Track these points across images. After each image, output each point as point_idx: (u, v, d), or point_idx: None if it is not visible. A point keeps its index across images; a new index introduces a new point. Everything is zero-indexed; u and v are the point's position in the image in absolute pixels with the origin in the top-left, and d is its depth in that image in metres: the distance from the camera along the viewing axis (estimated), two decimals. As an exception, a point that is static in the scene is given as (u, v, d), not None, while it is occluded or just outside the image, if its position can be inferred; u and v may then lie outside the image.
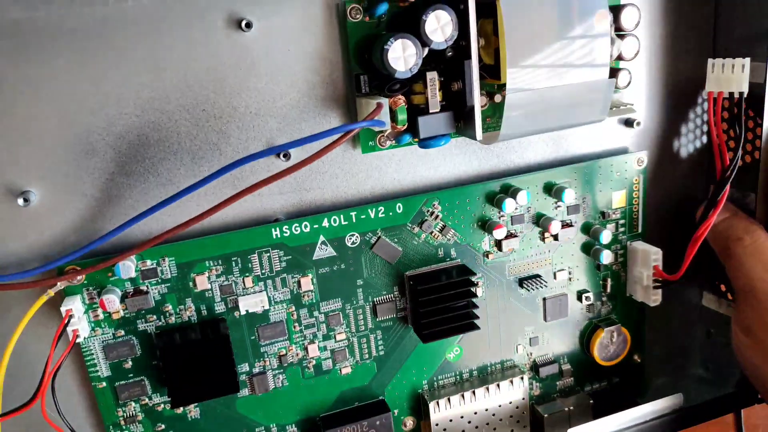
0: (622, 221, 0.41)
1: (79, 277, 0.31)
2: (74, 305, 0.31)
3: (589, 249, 0.41)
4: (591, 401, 0.43)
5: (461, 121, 0.33)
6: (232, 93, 0.32)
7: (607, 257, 0.40)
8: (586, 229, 0.40)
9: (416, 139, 0.33)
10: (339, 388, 0.38)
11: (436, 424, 0.39)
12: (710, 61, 0.34)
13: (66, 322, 0.31)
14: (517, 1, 0.30)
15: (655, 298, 0.41)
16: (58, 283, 0.31)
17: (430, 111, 0.32)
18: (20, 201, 0.30)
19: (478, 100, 0.32)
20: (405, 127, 0.33)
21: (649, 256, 0.40)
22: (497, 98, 0.35)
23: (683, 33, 0.39)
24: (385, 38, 0.30)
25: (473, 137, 0.33)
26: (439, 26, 0.31)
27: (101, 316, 0.33)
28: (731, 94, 0.33)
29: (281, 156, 0.33)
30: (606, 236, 0.40)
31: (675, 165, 0.42)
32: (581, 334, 0.43)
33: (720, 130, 0.34)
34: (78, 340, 0.31)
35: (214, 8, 0.31)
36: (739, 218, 0.37)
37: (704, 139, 0.41)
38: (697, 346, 0.47)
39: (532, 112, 0.32)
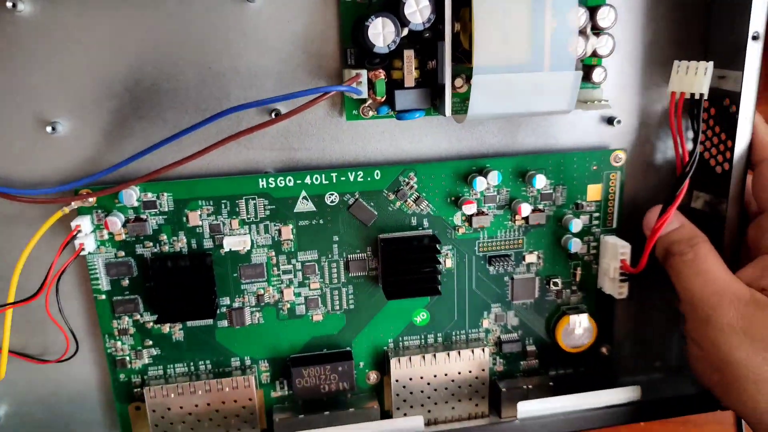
0: (596, 214, 0.43)
1: (90, 199, 0.37)
2: (84, 223, 0.36)
3: (560, 237, 0.43)
4: (551, 383, 0.45)
5: (437, 98, 0.37)
6: (235, 55, 0.37)
7: (575, 246, 0.42)
8: (559, 217, 0.42)
9: (393, 111, 0.37)
10: (310, 333, 0.42)
11: (396, 380, 0.42)
12: (675, 62, 0.36)
13: (74, 234, 0.36)
14: (492, -8, 0.33)
15: (621, 291, 0.42)
16: (73, 203, 0.36)
17: (406, 86, 0.36)
18: (48, 129, 0.36)
19: (449, 79, 0.35)
20: (383, 98, 0.37)
21: (617, 250, 0.42)
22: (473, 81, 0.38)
23: (676, 36, 0.41)
24: (368, 16, 0.34)
25: (443, 113, 0.36)
26: (418, 9, 0.34)
27: (106, 237, 0.38)
28: (692, 95, 0.35)
29: (272, 114, 0.38)
30: (576, 225, 0.42)
31: (655, 165, 0.43)
32: (548, 318, 0.45)
33: (681, 128, 0.35)
34: (84, 254, 0.37)
35: (224, -21, 0.35)
36: (683, 229, 0.38)
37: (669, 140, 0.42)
38: (672, 345, 0.48)
39: (499, 95, 0.35)
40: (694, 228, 0.39)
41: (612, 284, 0.43)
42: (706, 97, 0.34)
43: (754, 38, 0.36)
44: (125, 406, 0.41)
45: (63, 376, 0.41)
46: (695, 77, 0.34)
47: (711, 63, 0.34)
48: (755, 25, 0.36)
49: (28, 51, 0.35)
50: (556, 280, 0.44)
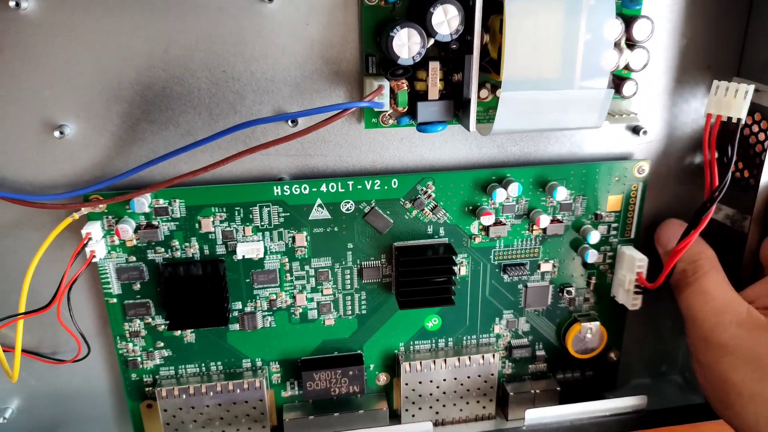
0: (615, 224, 0.42)
1: (101, 206, 0.36)
2: (94, 230, 0.36)
3: (577, 246, 0.42)
4: (558, 388, 0.45)
5: (460, 110, 0.35)
6: (251, 58, 0.35)
7: (592, 257, 0.42)
8: (577, 227, 0.42)
9: (415, 122, 0.36)
10: (321, 336, 0.42)
11: (406, 384, 0.43)
12: (715, 82, 0.34)
13: (85, 242, 0.35)
14: (525, 5, 0.32)
15: (634, 303, 0.42)
16: (83, 209, 0.35)
17: (429, 98, 0.34)
18: (57, 133, 0.34)
19: (474, 94, 0.34)
20: (405, 109, 0.35)
21: (634, 262, 0.41)
22: (499, 92, 0.36)
23: (708, 48, 0.39)
24: (392, 25, 0.32)
25: (467, 128, 0.34)
26: (446, 19, 0.32)
27: (117, 242, 0.37)
28: (729, 118, 0.33)
29: (289, 122, 0.36)
30: (594, 237, 0.41)
31: (678, 178, 0.42)
32: (559, 324, 0.44)
33: (714, 152, 0.34)
34: (95, 260, 0.36)
35: (240, -21, 0.33)
36: (689, 249, 0.38)
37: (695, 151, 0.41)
38: (679, 354, 0.48)
39: (526, 112, 0.34)
40: (701, 245, 0.39)
41: (626, 295, 0.42)
42: (743, 122, 0.33)
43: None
44: (137, 404, 0.42)
45: (76, 374, 0.41)
46: (734, 100, 0.33)
47: (752, 86, 0.32)
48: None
49: (33, 52, 0.33)
50: (570, 288, 0.43)
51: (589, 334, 0.44)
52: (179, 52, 0.34)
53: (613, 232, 0.42)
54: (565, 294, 0.43)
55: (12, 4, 0.31)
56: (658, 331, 0.47)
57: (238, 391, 0.41)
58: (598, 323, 0.44)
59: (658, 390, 0.47)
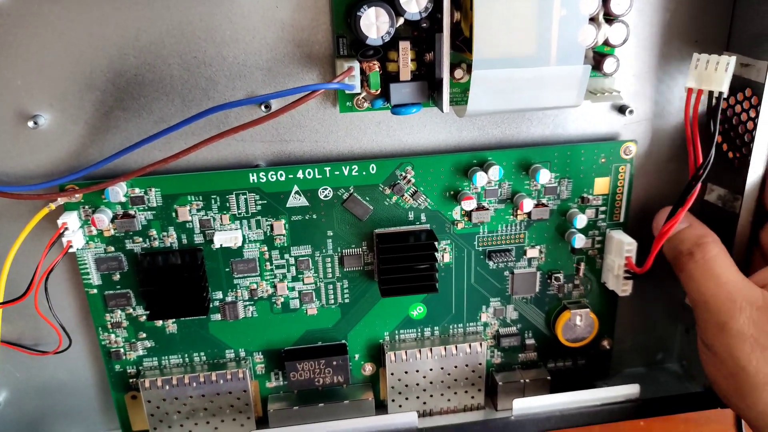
0: (603, 208, 0.41)
1: (77, 195, 0.36)
2: (71, 220, 0.36)
3: (564, 231, 0.41)
4: (548, 377, 0.44)
5: (435, 91, 0.35)
6: (222, 43, 0.35)
7: (579, 241, 0.41)
8: (563, 211, 0.41)
9: (388, 105, 0.35)
10: (304, 326, 0.41)
11: (392, 374, 0.42)
12: (695, 55, 0.33)
13: (60, 232, 0.35)
14: (494, -22, 0.31)
15: (624, 289, 0.41)
16: (59, 199, 0.35)
17: (401, 80, 0.34)
18: (30, 123, 0.34)
19: (447, 74, 0.33)
20: (378, 91, 0.35)
21: (622, 246, 0.40)
22: (474, 72, 0.36)
23: (695, 22, 0.38)
24: (360, 4, 0.31)
25: (441, 109, 0.34)
26: (415, -2, 0.32)
27: (95, 232, 0.37)
28: (711, 93, 0.32)
29: (262, 107, 0.36)
30: (581, 221, 0.40)
31: (668, 158, 0.41)
32: (548, 312, 0.43)
33: (696, 128, 0.33)
34: (73, 250, 0.36)
35: (206, -37, 0.33)
36: (692, 229, 0.37)
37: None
38: (675, 341, 0.47)
39: (501, 91, 0.33)
40: (704, 227, 0.37)
41: (616, 281, 0.41)
42: (725, 96, 0.32)
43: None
44: (121, 395, 0.42)
45: (60, 366, 0.41)
46: (715, 73, 0.31)
47: (734, 58, 0.31)
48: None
49: (4, 42, 0.33)
50: (558, 275, 0.42)
51: (579, 321, 0.43)
52: (150, 38, 0.34)
53: (602, 216, 0.41)
54: (553, 281, 0.42)
55: (-20, -7, 0.31)
56: (651, 318, 0.45)
57: (222, 381, 0.41)
58: (588, 310, 0.43)
59: (653, 378, 0.46)
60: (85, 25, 0.33)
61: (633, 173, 0.40)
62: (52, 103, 0.35)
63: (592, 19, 0.34)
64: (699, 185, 0.33)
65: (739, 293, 0.34)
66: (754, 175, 0.37)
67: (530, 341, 0.44)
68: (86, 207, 0.36)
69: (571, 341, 0.44)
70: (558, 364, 0.45)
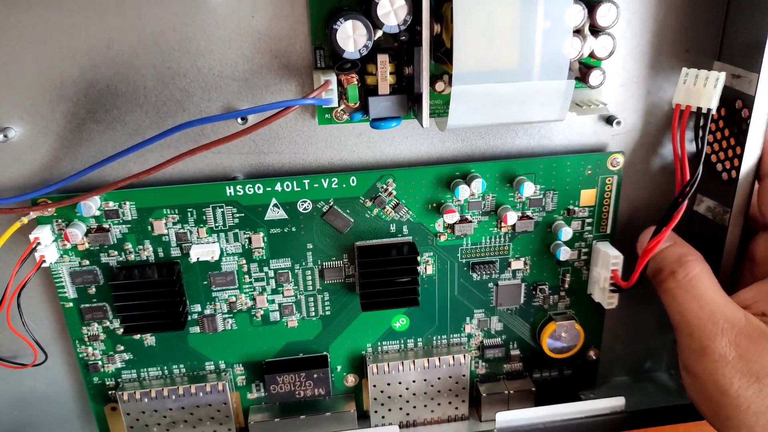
0: (589, 219, 0.40)
1: (49, 210, 0.35)
2: (44, 234, 0.35)
3: (550, 243, 0.40)
4: (533, 389, 0.43)
5: (414, 104, 0.34)
6: (197, 54, 0.34)
7: (564, 254, 0.40)
8: (548, 223, 0.40)
9: (367, 118, 0.34)
10: (285, 338, 0.41)
11: (374, 386, 0.42)
12: (683, 70, 0.32)
13: (33, 247, 0.34)
14: (474, -8, 0.30)
15: (610, 302, 0.40)
16: (31, 213, 0.35)
17: (380, 93, 0.33)
18: (0, 137, 0.33)
19: (426, 89, 0.32)
20: (357, 105, 0.34)
21: (608, 259, 0.39)
22: (456, 85, 0.35)
23: (686, 32, 0.37)
24: (337, 16, 0.30)
25: (421, 124, 0.33)
26: (393, 9, 0.30)
27: (69, 246, 0.36)
28: (699, 108, 0.31)
29: (239, 120, 0.35)
30: (566, 233, 0.39)
31: (657, 170, 0.40)
32: (534, 323, 0.43)
33: (684, 144, 0.32)
34: (46, 265, 0.35)
35: (178, -28, 0.32)
36: (675, 247, 0.36)
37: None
38: (664, 351, 0.46)
39: (482, 105, 0.32)
40: (688, 246, 0.37)
41: (602, 294, 0.41)
42: (714, 112, 0.31)
43: (774, 38, 0.32)
44: (101, 407, 0.41)
45: (39, 378, 0.41)
46: (704, 89, 0.31)
47: (723, 74, 0.30)
48: (776, 25, 0.32)
49: (-30, 53, 0.32)
50: (543, 286, 0.42)
51: (564, 332, 0.42)
52: (122, 48, 0.33)
53: (588, 228, 0.40)
54: (538, 292, 0.42)
55: (-57, 3, 0.30)
56: (639, 328, 0.45)
57: (201, 394, 0.40)
58: (573, 322, 0.42)
59: (641, 389, 0.45)
60: (54, 34, 0.32)
61: (620, 185, 0.39)
62: (22, 116, 0.34)
63: (578, 31, 0.33)
64: (686, 202, 0.32)
65: (722, 314, 0.34)
66: (743, 189, 0.36)
67: (515, 352, 0.44)
68: (59, 221, 0.36)
69: (557, 352, 0.43)
70: (544, 374, 0.45)
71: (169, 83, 0.34)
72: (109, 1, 0.32)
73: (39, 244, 0.35)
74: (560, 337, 0.43)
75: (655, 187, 0.40)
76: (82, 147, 0.35)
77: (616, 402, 0.41)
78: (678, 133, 0.32)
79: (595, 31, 0.33)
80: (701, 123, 0.31)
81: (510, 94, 0.32)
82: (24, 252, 0.34)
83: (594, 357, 0.45)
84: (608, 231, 0.41)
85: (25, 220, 0.35)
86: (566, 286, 0.42)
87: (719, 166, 0.38)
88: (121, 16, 0.32)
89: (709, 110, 0.31)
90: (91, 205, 0.35)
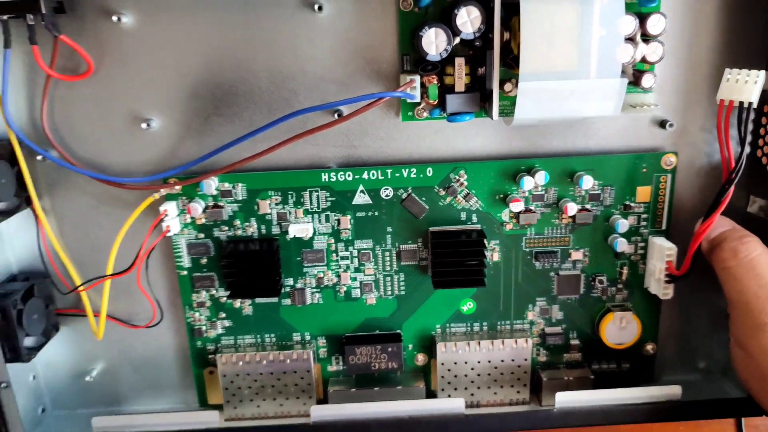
0: (645, 215, 0.44)
1: (177, 187, 0.42)
2: (170, 208, 0.42)
3: (608, 236, 0.44)
4: (592, 377, 0.46)
5: (486, 102, 0.39)
6: (304, 60, 0.41)
7: (621, 245, 0.43)
8: (606, 217, 0.44)
9: (445, 114, 0.40)
10: (364, 315, 0.46)
11: (442, 364, 0.46)
12: (726, 70, 0.36)
13: (162, 218, 0.41)
14: (539, 5, 0.35)
15: (665, 292, 0.43)
16: (162, 190, 0.42)
17: (456, 91, 0.39)
18: (144, 125, 0.41)
19: (496, 86, 0.38)
20: (436, 102, 0.39)
21: (663, 251, 0.42)
22: (522, 86, 0.40)
23: (732, 41, 0.41)
24: (422, 26, 0.37)
25: (491, 117, 0.38)
26: (469, 19, 0.37)
27: (188, 220, 0.43)
28: (741, 103, 0.35)
29: (335, 114, 0.42)
30: (623, 226, 0.43)
31: (707, 168, 0.43)
32: (593, 313, 0.46)
33: (728, 135, 0.36)
34: (170, 234, 0.42)
35: (294, -7, 0.39)
36: (734, 231, 0.39)
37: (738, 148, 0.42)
38: (717, 347, 0.48)
39: (544, 101, 0.37)
40: (745, 230, 0.39)
41: (657, 285, 0.43)
42: (755, 106, 0.35)
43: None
44: (201, 371, 0.47)
45: (150, 340, 0.47)
46: (745, 86, 0.35)
47: (763, 72, 0.34)
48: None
49: (128, 58, 0.40)
50: (602, 277, 0.45)
51: (622, 323, 0.45)
52: (244, 56, 0.41)
53: (644, 223, 0.44)
54: (597, 283, 0.45)
55: (115, 18, 0.39)
56: (693, 323, 0.47)
57: (288, 361, 0.45)
58: (631, 313, 0.45)
59: (693, 382, 0.47)
60: (192, 45, 0.40)
61: (674, 183, 0.43)
62: (162, 109, 0.41)
63: (630, 39, 0.38)
64: (732, 188, 0.36)
65: None
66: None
67: (575, 341, 0.47)
68: (184, 198, 0.43)
69: (615, 343, 0.46)
70: (602, 366, 0.47)
71: (279, 85, 0.41)
72: (234, 18, 0.40)
73: (167, 215, 0.41)
74: (618, 327, 0.45)
75: (706, 184, 0.44)
76: (206, 136, 0.42)
77: (672, 390, 0.43)
78: (723, 126, 0.36)
79: (646, 38, 0.38)
80: (744, 116, 0.35)
81: (569, 91, 0.37)
82: (154, 221, 0.41)
83: (651, 351, 0.47)
84: (663, 227, 0.44)
85: (156, 195, 0.42)
86: (624, 278, 0.45)
87: (769, 167, 0.41)
88: (244, 29, 0.40)
89: (750, 104, 0.35)
90: (211, 184, 0.42)
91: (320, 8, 0.39)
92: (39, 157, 0.42)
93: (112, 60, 0.40)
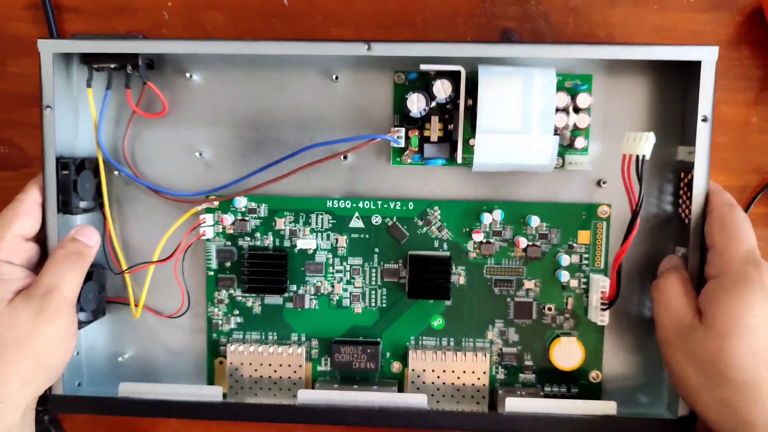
0: (586, 255, 0.54)
1: (215, 203, 0.54)
2: (208, 218, 0.54)
3: (555, 270, 0.54)
4: (542, 394, 0.54)
5: (455, 151, 0.51)
6: (321, 115, 0.54)
7: (564, 277, 0.53)
8: (554, 254, 0.54)
9: (423, 159, 0.52)
10: (351, 322, 0.55)
11: (413, 369, 0.54)
12: (626, 133, 0.47)
13: (201, 223, 0.53)
14: (492, 80, 0.48)
15: (602, 318, 0.52)
16: (203, 204, 0.54)
17: (432, 141, 0.51)
18: (197, 154, 0.55)
19: (461, 137, 0.50)
20: (417, 149, 0.52)
21: (599, 283, 0.52)
22: (483, 141, 0.52)
23: (654, 116, 0.52)
24: (408, 92, 0.50)
25: (456, 161, 0.50)
26: (443, 88, 0.50)
27: (220, 229, 0.55)
28: (637, 156, 0.46)
29: (342, 157, 0.54)
30: (565, 260, 0.53)
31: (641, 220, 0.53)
32: (545, 338, 0.54)
33: (631, 182, 0.47)
34: (204, 238, 0.54)
35: (317, 65, 0.54)
36: (665, 266, 0.49)
37: (665, 207, 0.53)
38: (662, 385, 0.55)
39: (497, 150, 0.49)
40: (675, 266, 0.49)
41: (595, 313, 0.52)
42: (647, 158, 0.46)
43: (703, 120, 0.48)
44: (212, 359, 0.56)
45: (173, 331, 0.57)
46: (640, 143, 0.46)
47: (652, 133, 0.46)
48: (703, 110, 0.48)
49: (193, 104, 0.55)
50: (550, 306, 0.54)
51: (568, 347, 0.53)
52: (277, 110, 0.54)
53: (585, 262, 0.54)
54: (547, 311, 0.54)
55: (187, 75, 0.54)
56: (635, 353, 0.54)
57: (285, 355, 0.54)
58: (575, 339, 0.53)
59: (636, 408, 0.54)
60: (240, 99, 0.54)
61: (609, 229, 0.53)
62: (212, 144, 0.55)
63: (564, 110, 0.50)
64: (638, 220, 0.46)
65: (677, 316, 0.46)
66: (693, 229, 0.49)
67: (529, 362, 0.55)
68: (219, 212, 0.55)
69: (562, 365, 0.53)
70: (554, 389, 0.55)
71: (301, 133, 0.55)
72: (272, 83, 0.54)
73: (204, 222, 0.54)
74: (565, 351, 0.53)
75: (642, 236, 0.53)
76: (242, 167, 0.55)
77: (608, 406, 0.51)
78: (625, 171, 0.46)
79: (577, 110, 0.50)
80: (639, 165, 0.46)
81: (515, 143, 0.49)
82: (192, 226, 0.54)
83: (596, 379, 0.54)
84: (602, 266, 0.54)
85: (198, 207, 0.54)
86: (569, 308, 0.54)
87: (687, 221, 0.51)
88: (278, 90, 0.54)
89: (643, 156, 0.46)
90: (242, 200, 0.54)
91: (336, 78, 0.53)
92: (115, 173, 0.55)
93: (181, 105, 0.55)
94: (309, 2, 0.56)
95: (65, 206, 0.52)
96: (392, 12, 0.55)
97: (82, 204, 0.53)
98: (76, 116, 0.54)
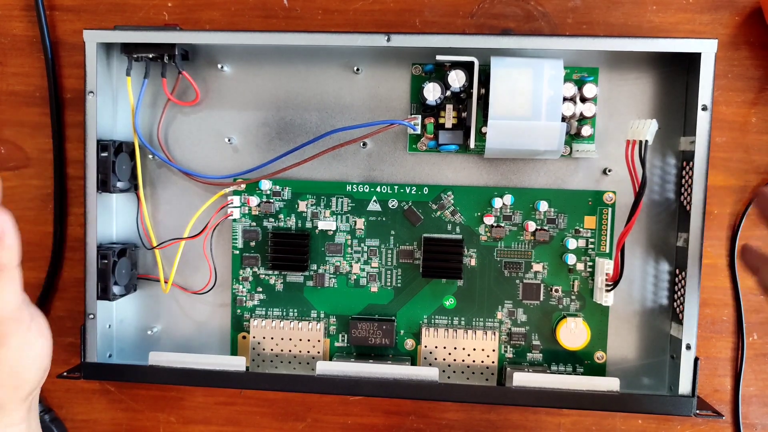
0: (592, 240, 0.56)
1: (242, 185, 0.58)
2: (235, 199, 0.58)
3: (562, 254, 0.57)
4: (548, 372, 0.56)
5: (468, 138, 0.55)
6: (344, 106, 0.58)
7: (571, 259, 0.56)
8: (561, 237, 0.57)
9: (438, 145, 0.55)
10: (367, 300, 0.58)
11: (425, 346, 0.57)
12: (631, 121, 0.51)
13: (228, 204, 0.57)
14: (504, 71, 0.52)
15: (606, 299, 0.54)
16: (231, 187, 0.58)
17: (446, 128, 0.54)
18: (226, 140, 0.58)
19: (473, 124, 0.53)
20: (432, 136, 0.55)
21: (603, 266, 0.54)
22: (495, 129, 0.55)
23: (657, 106, 0.55)
24: (425, 81, 0.54)
25: (468, 146, 0.54)
26: (456, 78, 0.53)
27: (246, 210, 0.59)
28: (641, 142, 0.49)
29: (361, 144, 0.58)
30: (572, 243, 0.56)
31: (645, 208, 0.56)
32: (552, 319, 0.57)
33: (635, 166, 0.49)
34: (231, 218, 0.58)
35: (339, 58, 0.57)
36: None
37: (668, 195, 0.56)
38: (665, 368, 0.57)
39: (508, 136, 0.52)
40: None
41: (600, 294, 0.55)
42: (650, 143, 0.48)
43: (703, 109, 0.51)
44: (236, 334, 0.60)
45: (200, 305, 0.60)
46: (643, 128, 0.49)
47: (655, 120, 0.49)
48: (703, 99, 0.51)
49: (224, 94, 0.59)
50: (557, 288, 0.57)
51: (574, 327, 0.56)
52: (302, 100, 0.58)
53: (591, 246, 0.56)
54: (554, 292, 0.57)
55: (219, 66, 0.58)
56: (644, 347, 0.57)
57: (305, 330, 0.58)
58: (581, 319, 0.56)
59: (639, 388, 0.56)
60: (267, 89, 0.58)
61: (614, 215, 0.56)
62: (240, 131, 0.59)
63: (571, 99, 0.53)
64: (641, 201, 0.49)
65: None
66: (695, 216, 0.52)
67: (536, 342, 0.57)
68: (245, 194, 0.59)
69: (568, 344, 0.56)
70: (560, 368, 0.57)
71: (325, 121, 0.58)
72: (298, 74, 0.58)
73: (232, 203, 0.57)
74: (571, 331, 0.56)
75: (645, 217, 0.56)
76: (267, 152, 0.59)
77: (611, 383, 0.53)
78: (630, 157, 0.49)
79: (584, 99, 0.53)
80: (642, 150, 0.49)
81: (525, 129, 0.52)
82: (222, 205, 0.57)
83: (601, 360, 0.57)
84: (607, 250, 0.56)
85: (227, 190, 0.58)
86: (576, 290, 0.57)
87: (688, 207, 0.54)
88: (304, 81, 0.58)
89: (646, 141, 0.49)
90: (267, 183, 0.57)
91: (358, 70, 0.57)
92: (150, 156, 0.59)
93: (212, 94, 0.59)
94: (309, 2, 0.59)
95: (104, 185, 0.55)
96: (392, 12, 0.59)
97: (119, 184, 0.57)
98: (115, 103, 0.58)
